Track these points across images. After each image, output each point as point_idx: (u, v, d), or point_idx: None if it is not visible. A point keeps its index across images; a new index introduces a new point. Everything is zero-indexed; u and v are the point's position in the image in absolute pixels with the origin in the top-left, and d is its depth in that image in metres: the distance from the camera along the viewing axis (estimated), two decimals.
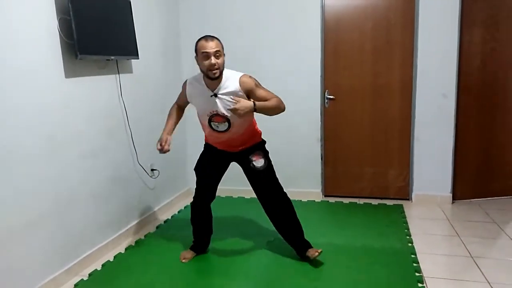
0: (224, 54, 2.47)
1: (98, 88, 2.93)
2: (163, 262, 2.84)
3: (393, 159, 3.97)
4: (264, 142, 2.81)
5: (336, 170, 4.13)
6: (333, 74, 3.94)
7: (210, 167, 2.80)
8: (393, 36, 3.78)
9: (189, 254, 2.87)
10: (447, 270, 2.65)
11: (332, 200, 4.07)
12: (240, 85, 2.48)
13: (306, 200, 4.07)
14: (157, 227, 3.49)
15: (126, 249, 3.07)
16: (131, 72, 3.31)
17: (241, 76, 2.51)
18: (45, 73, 2.45)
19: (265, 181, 2.70)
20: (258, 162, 2.65)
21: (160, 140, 2.63)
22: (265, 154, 2.73)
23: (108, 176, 3.04)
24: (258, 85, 2.55)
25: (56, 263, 2.55)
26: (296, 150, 4.07)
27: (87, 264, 2.80)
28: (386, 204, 3.90)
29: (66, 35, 2.56)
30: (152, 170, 3.61)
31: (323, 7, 3.83)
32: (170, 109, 2.84)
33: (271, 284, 2.51)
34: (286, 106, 2.60)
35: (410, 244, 2.99)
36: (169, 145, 2.61)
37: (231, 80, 2.49)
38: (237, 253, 2.94)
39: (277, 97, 2.55)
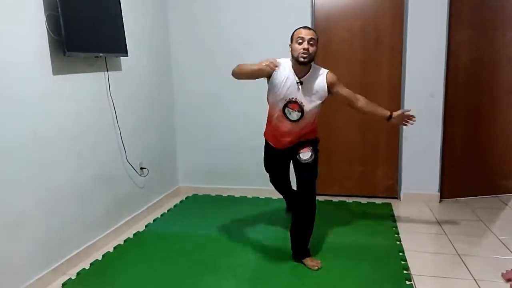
0: (317, 48, 2.59)
1: (86, 85, 2.90)
2: (152, 261, 2.83)
3: (381, 158, 4.00)
4: (318, 140, 2.83)
5: (325, 169, 4.13)
6: None
7: (274, 165, 3.02)
8: (382, 36, 3.80)
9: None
10: (434, 267, 2.68)
11: (321, 198, 4.08)
12: (326, 78, 2.64)
13: None
14: (146, 226, 3.47)
15: (114, 248, 3.04)
16: (120, 69, 3.29)
17: (328, 71, 2.69)
18: (32, 69, 2.42)
19: (306, 174, 2.68)
20: (305, 155, 2.68)
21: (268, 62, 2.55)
22: (314, 149, 2.73)
23: (96, 174, 3.01)
24: (340, 81, 2.71)
25: (43, 263, 2.52)
26: None
27: (75, 263, 2.77)
28: (374, 202, 3.93)
29: (54, 32, 2.53)
30: (141, 168, 3.59)
31: (313, 6, 3.84)
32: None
33: (259, 282, 2.51)
34: None
35: (398, 242, 3.01)
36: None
37: (318, 71, 2.65)
38: (226, 251, 2.94)
39: (359, 95, 2.79)
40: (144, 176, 3.64)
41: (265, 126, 2.90)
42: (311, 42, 2.52)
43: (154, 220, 3.59)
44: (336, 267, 2.67)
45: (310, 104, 2.62)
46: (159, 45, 3.95)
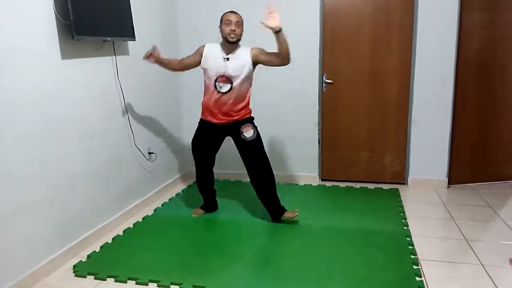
0: (243, 29, 2.97)
1: (95, 70, 2.90)
2: (160, 244, 2.86)
3: (389, 144, 3.99)
4: (253, 118, 3.12)
5: (333, 155, 4.14)
6: (332, 58, 3.92)
7: (205, 143, 3.15)
8: (392, 20, 3.75)
9: (199, 211, 3.36)
10: (441, 252, 2.68)
11: (328, 184, 4.09)
12: (250, 51, 2.96)
13: (303, 184, 4.09)
14: (155, 210, 3.50)
15: (124, 231, 3.08)
16: (127, 54, 3.28)
17: (252, 47, 3.00)
18: (41, 54, 2.42)
19: (254, 149, 3.04)
20: (248, 133, 3.01)
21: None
22: (255, 127, 3.07)
23: (106, 158, 3.03)
24: (263, 51, 2.98)
25: (55, 245, 2.57)
26: (293, 135, 4.07)
27: (86, 245, 2.82)
28: (382, 188, 3.93)
29: (62, 16, 2.52)
30: (150, 153, 3.61)
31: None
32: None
33: (267, 265, 2.54)
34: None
35: (405, 227, 3.02)
36: (149, 57, 3.03)
37: (243, 49, 2.99)
38: (234, 235, 2.96)
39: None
40: (153, 161, 3.66)
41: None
42: (237, 24, 2.90)
43: (162, 204, 3.63)
44: (345, 252, 2.68)
45: (238, 77, 2.93)
46: (167, 29, 3.93)
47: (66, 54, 2.61)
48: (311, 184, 4.09)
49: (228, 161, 4.29)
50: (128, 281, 2.41)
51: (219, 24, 2.96)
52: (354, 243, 2.81)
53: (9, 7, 2.20)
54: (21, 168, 2.29)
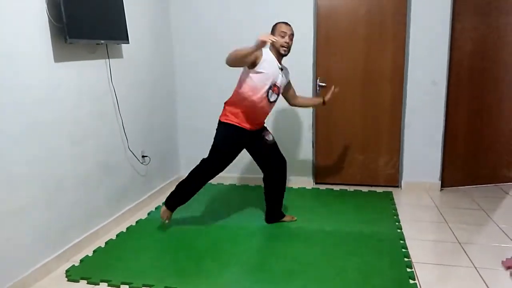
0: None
1: (88, 73, 2.89)
2: (154, 248, 2.85)
3: (383, 146, 4.01)
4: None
5: (327, 158, 4.15)
6: (325, 62, 3.93)
7: (239, 150, 3.02)
8: (385, 24, 3.77)
9: (167, 213, 3.09)
10: (435, 255, 2.70)
11: (322, 187, 4.10)
12: (288, 70, 3.04)
13: (297, 187, 4.10)
14: (148, 214, 3.49)
15: (117, 235, 3.06)
16: (121, 57, 3.27)
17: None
18: (34, 57, 2.41)
19: (276, 152, 3.12)
20: (269, 137, 3.07)
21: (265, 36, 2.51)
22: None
23: (99, 162, 3.01)
24: None
25: (46, 250, 2.54)
26: (287, 138, 4.07)
27: (79, 250, 2.80)
28: (376, 191, 3.94)
29: (55, 18, 2.51)
30: (143, 156, 3.60)
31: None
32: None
33: (262, 269, 2.53)
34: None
35: (399, 230, 3.03)
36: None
37: (286, 65, 3.00)
38: (228, 239, 2.96)
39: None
40: (146, 164, 3.65)
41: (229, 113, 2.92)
42: (290, 37, 2.84)
43: (156, 208, 3.61)
44: (338, 255, 2.68)
45: (282, 89, 2.98)
46: (160, 32, 3.92)
47: (59, 57, 2.60)
48: (305, 187, 4.09)
49: None
50: (122, 286, 2.39)
51: (270, 32, 2.85)
52: (348, 246, 2.81)
53: (1, 9, 2.19)
54: (11, 170, 2.27)
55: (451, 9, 3.60)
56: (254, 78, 2.80)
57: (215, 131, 2.96)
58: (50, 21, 2.50)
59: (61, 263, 2.64)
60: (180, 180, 3.12)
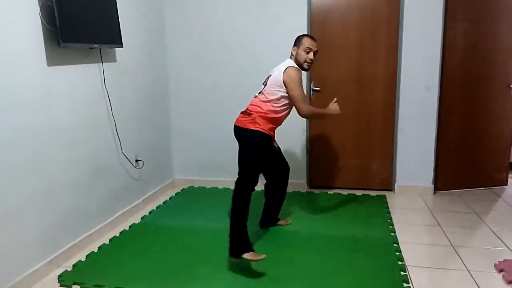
0: None
1: (81, 77, 2.88)
2: (147, 253, 2.83)
3: (376, 151, 4.02)
4: None
5: (321, 162, 4.16)
6: (319, 66, 3.93)
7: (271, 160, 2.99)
8: (378, 29, 3.80)
9: (251, 255, 2.51)
10: (428, 258, 2.71)
11: (317, 191, 4.10)
12: None
13: (291, 191, 4.09)
14: (142, 218, 3.47)
15: (110, 240, 3.04)
16: (114, 61, 3.26)
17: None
18: (26, 60, 2.39)
19: (282, 157, 3.14)
20: (276, 143, 3.03)
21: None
22: None
23: (92, 166, 3.00)
24: None
25: (38, 255, 2.51)
26: (281, 142, 4.05)
27: (71, 255, 2.77)
28: (369, 194, 3.96)
29: (48, 22, 2.50)
30: (137, 160, 3.58)
31: (309, 1, 3.82)
32: (309, 106, 2.81)
33: (253, 274, 2.52)
34: None
35: (393, 234, 3.04)
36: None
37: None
38: (221, 244, 2.93)
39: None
40: (139, 168, 3.63)
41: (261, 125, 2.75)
42: (315, 53, 2.81)
43: (149, 213, 3.59)
44: (331, 258, 2.69)
45: None
46: (154, 37, 3.92)
47: (52, 60, 2.58)
48: (299, 191, 4.09)
49: (216, 169, 4.28)
50: None
51: (294, 45, 2.84)
52: (342, 249, 2.81)
53: None
54: (2, 175, 2.24)
55: (443, 15, 3.63)
56: (285, 96, 2.74)
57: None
58: (43, 24, 2.49)
59: (54, 268, 2.61)
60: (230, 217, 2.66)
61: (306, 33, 2.88)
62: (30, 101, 2.43)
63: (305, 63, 2.80)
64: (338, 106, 2.81)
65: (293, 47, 2.85)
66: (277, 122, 2.83)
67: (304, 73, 3.88)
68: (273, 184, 3.10)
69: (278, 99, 2.73)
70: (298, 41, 2.83)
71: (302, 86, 2.75)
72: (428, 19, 3.66)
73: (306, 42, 2.79)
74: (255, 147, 2.74)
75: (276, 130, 2.87)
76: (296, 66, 2.78)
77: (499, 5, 3.78)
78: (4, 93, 2.24)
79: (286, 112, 2.82)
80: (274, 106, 2.74)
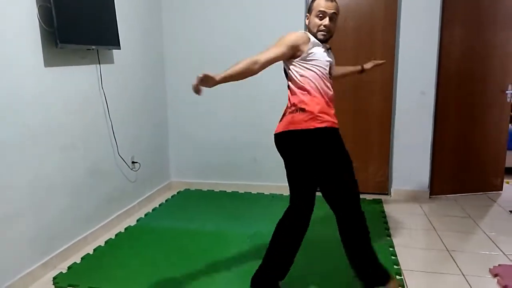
0: (337, 23, 2.20)
1: (78, 78, 2.87)
2: (143, 255, 2.82)
3: (373, 155, 4.03)
4: None
5: None
6: None
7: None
8: (375, 33, 3.82)
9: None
10: (424, 263, 2.71)
11: None
12: None
13: (286, 195, 4.08)
14: (137, 220, 3.45)
15: (106, 242, 3.03)
16: (112, 62, 3.26)
17: None
18: (24, 61, 2.39)
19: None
20: None
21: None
22: None
23: (88, 168, 2.99)
24: None
25: (33, 257, 2.50)
26: None
27: (66, 257, 2.76)
28: (365, 198, 3.96)
29: (45, 23, 2.50)
30: (133, 162, 3.57)
31: (307, 2, 3.84)
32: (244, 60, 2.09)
33: (251, 276, 2.51)
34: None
35: (388, 238, 3.04)
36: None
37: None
38: (218, 246, 2.94)
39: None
40: (136, 170, 3.62)
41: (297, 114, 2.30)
42: (332, 18, 2.13)
43: (145, 215, 3.58)
44: (326, 262, 2.69)
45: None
46: (152, 38, 3.92)
47: (49, 62, 2.58)
48: None
49: (213, 172, 4.28)
50: None
51: (306, 12, 2.30)
52: (337, 252, 2.80)
53: None
54: None
55: (439, 20, 3.66)
56: (308, 66, 2.20)
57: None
58: (40, 26, 2.48)
59: (49, 270, 2.60)
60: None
61: None
62: (27, 102, 2.42)
63: (319, 32, 2.13)
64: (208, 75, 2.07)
65: (306, 15, 2.27)
66: (322, 99, 2.23)
67: None
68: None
69: (292, 77, 2.20)
70: (310, 6, 2.20)
71: (286, 47, 2.11)
72: (425, 24, 3.68)
73: (319, 4, 2.12)
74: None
75: (270, 132, 2.54)
76: (306, 32, 2.18)
77: (495, 10, 3.80)
78: (1, 94, 2.23)
79: (321, 83, 2.20)
80: (297, 86, 2.20)
